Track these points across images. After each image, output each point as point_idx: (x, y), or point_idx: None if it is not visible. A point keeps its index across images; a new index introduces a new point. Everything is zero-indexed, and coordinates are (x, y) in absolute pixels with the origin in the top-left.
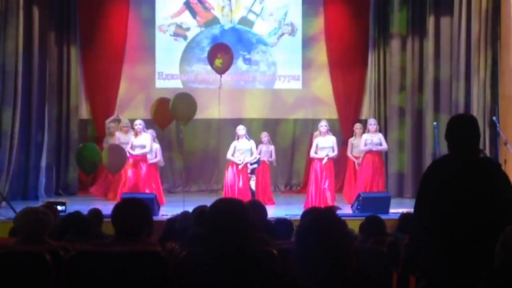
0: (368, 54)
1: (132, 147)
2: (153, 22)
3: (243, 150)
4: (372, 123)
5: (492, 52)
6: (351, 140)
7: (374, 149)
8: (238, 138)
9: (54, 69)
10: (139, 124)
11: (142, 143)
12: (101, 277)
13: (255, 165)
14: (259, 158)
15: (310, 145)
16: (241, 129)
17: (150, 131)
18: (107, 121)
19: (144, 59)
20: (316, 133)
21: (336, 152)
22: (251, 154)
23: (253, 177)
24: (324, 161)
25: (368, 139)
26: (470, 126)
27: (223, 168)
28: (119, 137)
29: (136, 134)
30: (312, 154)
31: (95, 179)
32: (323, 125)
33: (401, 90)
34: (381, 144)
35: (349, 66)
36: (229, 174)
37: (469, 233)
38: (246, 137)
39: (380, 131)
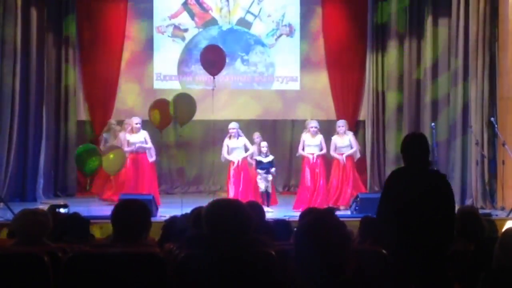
0: (366, 55)
1: (130, 144)
2: (151, 23)
3: (235, 149)
4: (340, 125)
5: (490, 53)
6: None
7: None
8: (230, 137)
9: (52, 70)
10: (139, 122)
11: (141, 139)
12: (99, 278)
13: (272, 169)
14: (273, 158)
15: None
16: (232, 127)
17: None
18: (113, 121)
19: (142, 60)
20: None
21: (324, 151)
22: (245, 150)
23: (269, 177)
24: (313, 159)
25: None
26: (421, 143)
27: (221, 169)
28: (126, 137)
29: (133, 132)
30: (300, 151)
31: (93, 182)
32: (313, 126)
33: (399, 91)
34: (350, 147)
35: (347, 67)
36: (232, 174)
37: (420, 228)
38: (239, 135)
39: (378, 132)
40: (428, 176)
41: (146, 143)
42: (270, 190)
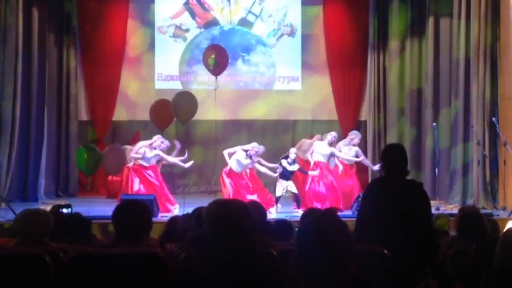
0: (367, 55)
1: (147, 159)
2: (153, 23)
3: (239, 164)
4: (358, 137)
5: (491, 53)
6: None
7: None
8: (246, 151)
9: (54, 71)
10: (165, 143)
11: (150, 156)
12: (100, 278)
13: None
14: (299, 168)
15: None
16: (255, 149)
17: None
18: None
19: (143, 60)
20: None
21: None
22: (242, 168)
23: (289, 183)
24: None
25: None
26: (399, 153)
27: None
28: (139, 148)
29: (151, 148)
30: (308, 157)
31: (94, 181)
32: (333, 136)
33: (400, 91)
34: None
35: (349, 67)
36: (225, 178)
37: (400, 233)
38: (251, 157)
39: (379, 132)
40: (406, 185)
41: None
42: (296, 191)
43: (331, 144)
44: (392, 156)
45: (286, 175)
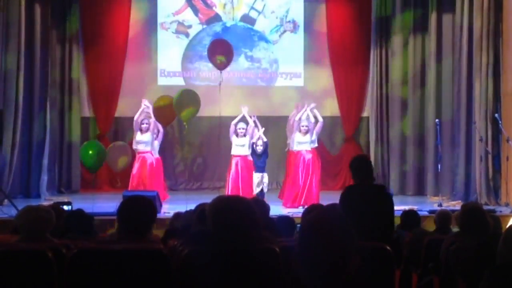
0: (370, 51)
1: (137, 143)
2: (155, 19)
3: (240, 146)
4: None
5: (494, 49)
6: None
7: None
8: (237, 135)
9: (56, 67)
10: (146, 123)
11: (148, 139)
12: (103, 274)
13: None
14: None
15: None
16: (241, 128)
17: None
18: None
19: (146, 56)
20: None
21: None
22: (248, 147)
23: (265, 176)
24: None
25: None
26: (367, 165)
27: (226, 166)
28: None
29: (142, 131)
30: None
31: (97, 178)
32: (304, 126)
33: (403, 87)
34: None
35: (351, 63)
36: (233, 169)
37: (367, 228)
38: (245, 134)
39: (382, 128)
40: (374, 190)
41: (149, 143)
42: (265, 190)
43: (307, 132)
44: (361, 167)
45: (259, 165)
